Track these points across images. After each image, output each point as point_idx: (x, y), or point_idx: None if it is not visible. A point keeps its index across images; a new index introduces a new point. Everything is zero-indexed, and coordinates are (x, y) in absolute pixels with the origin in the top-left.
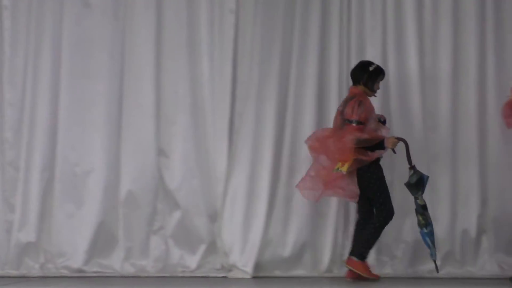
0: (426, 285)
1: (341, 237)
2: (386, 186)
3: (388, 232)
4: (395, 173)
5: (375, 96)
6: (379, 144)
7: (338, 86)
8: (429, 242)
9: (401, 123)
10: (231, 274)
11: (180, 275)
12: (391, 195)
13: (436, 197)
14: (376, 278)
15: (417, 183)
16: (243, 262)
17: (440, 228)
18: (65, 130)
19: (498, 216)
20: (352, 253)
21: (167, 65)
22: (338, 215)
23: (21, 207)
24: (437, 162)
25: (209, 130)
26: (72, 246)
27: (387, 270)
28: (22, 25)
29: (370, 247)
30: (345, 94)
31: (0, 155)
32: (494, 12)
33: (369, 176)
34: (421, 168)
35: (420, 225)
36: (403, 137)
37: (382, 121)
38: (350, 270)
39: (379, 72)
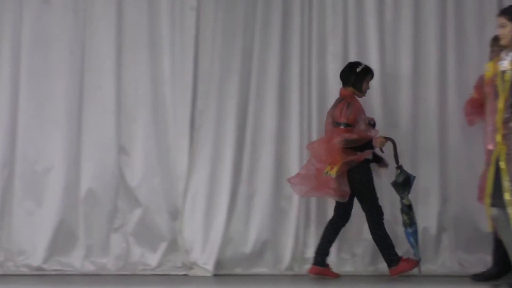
0: (386, 283)
1: (302, 235)
2: (374, 187)
3: (349, 230)
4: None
5: (365, 96)
6: (368, 144)
7: (300, 83)
8: (413, 242)
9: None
10: (192, 272)
11: (141, 273)
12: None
13: (396, 195)
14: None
15: (404, 183)
16: (204, 260)
17: (400, 226)
18: (25, 128)
19: (458, 214)
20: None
21: (128, 62)
22: (299, 213)
23: None
24: None
25: (170, 128)
26: (32, 244)
27: (347, 268)
28: None
29: (391, 247)
30: (306, 91)
31: None
32: (455, 9)
33: (359, 178)
34: None
35: (404, 224)
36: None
37: (371, 123)
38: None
39: (367, 72)
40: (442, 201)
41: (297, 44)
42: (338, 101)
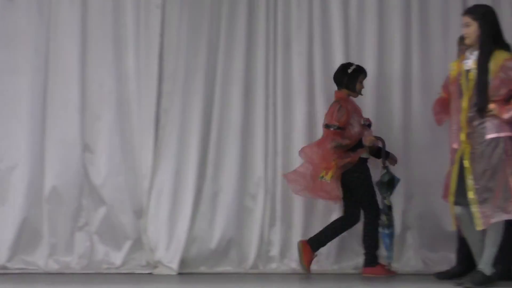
0: (351, 281)
1: (267, 233)
2: (372, 185)
3: (315, 229)
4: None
5: (361, 95)
6: (360, 143)
7: (265, 82)
8: (388, 243)
9: None
10: (156, 271)
11: (105, 271)
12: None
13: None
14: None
15: (388, 183)
16: (169, 258)
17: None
18: None
19: (422, 213)
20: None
21: (93, 60)
22: (264, 211)
23: None
24: None
25: (134, 126)
26: None
27: (313, 267)
28: None
29: (377, 248)
30: (271, 88)
31: None
32: (419, 8)
33: (356, 176)
34: None
35: (382, 225)
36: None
37: (367, 124)
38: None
39: (359, 72)
40: (406, 200)
41: (263, 42)
42: (332, 104)
